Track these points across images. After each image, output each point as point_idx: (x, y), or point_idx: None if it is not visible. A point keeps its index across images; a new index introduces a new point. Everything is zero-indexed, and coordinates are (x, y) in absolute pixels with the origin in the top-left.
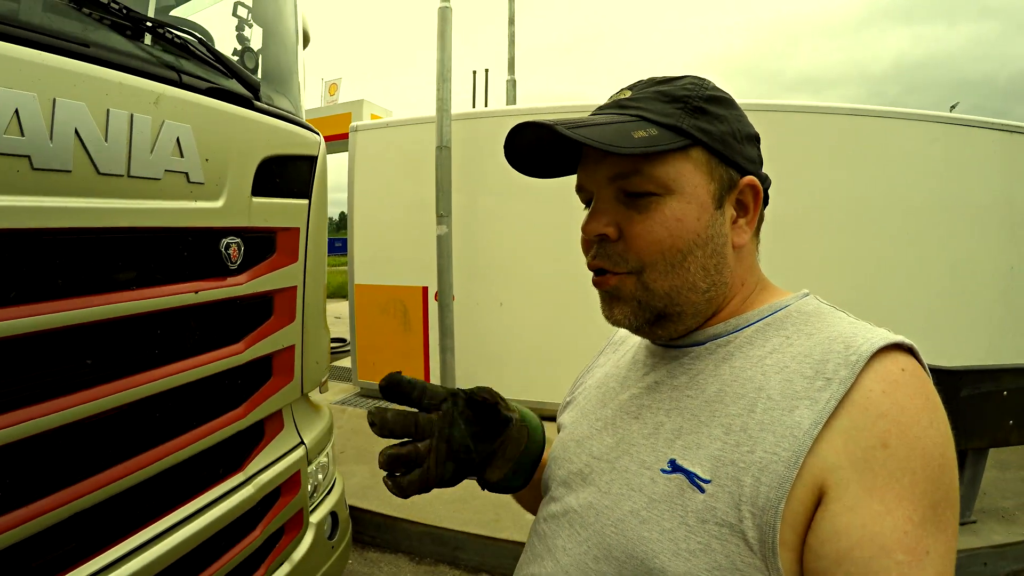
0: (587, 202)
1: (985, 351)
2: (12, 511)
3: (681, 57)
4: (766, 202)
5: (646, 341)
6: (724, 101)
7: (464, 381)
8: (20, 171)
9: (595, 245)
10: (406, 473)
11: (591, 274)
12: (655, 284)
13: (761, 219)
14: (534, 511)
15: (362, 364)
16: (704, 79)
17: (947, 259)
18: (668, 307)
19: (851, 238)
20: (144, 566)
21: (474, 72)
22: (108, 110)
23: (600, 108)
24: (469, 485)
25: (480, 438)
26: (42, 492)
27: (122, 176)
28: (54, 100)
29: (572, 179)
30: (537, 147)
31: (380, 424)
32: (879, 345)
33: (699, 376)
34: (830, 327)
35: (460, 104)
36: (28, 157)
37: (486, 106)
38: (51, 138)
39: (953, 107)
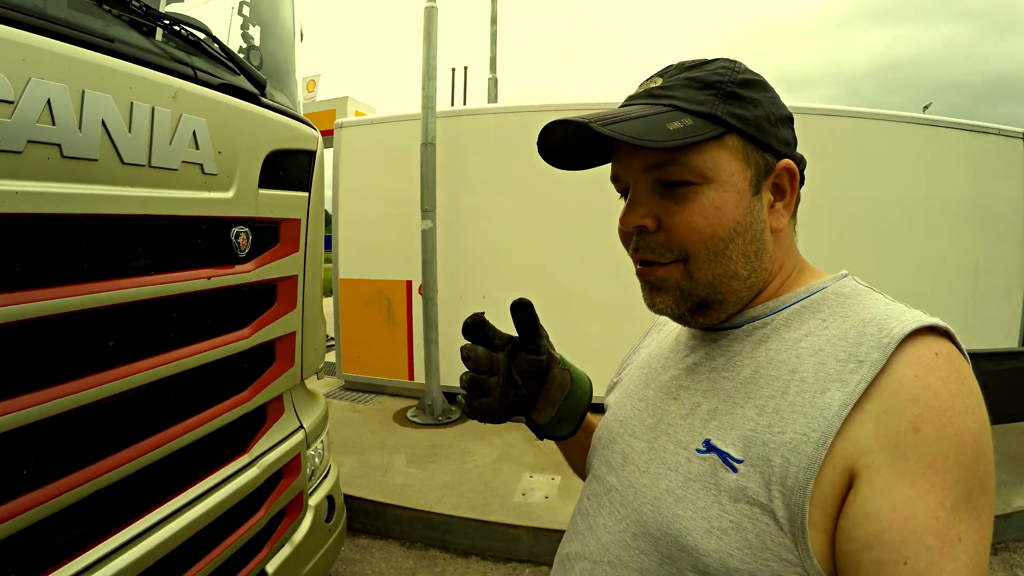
0: (623, 192)
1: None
2: (33, 490)
3: (659, 56)
4: (802, 183)
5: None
6: (757, 84)
7: (448, 374)
8: (51, 159)
9: (634, 237)
10: (478, 397)
11: (569, 267)
12: (699, 273)
13: (798, 200)
14: (582, 474)
15: (346, 358)
16: (736, 61)
17: (917, 255)
18: (711, 296)
19: (823, 235)
20: (159, 544)
21: (453, 70)
22: (132, 103)
23: (631, 98)
24: (458, 471)
25: (525, 375)
26: (62, 472)
27: (144, 166)
28: (83, 92)
29: (549, 175)
30: (569, 141)
31: (473, 359)
32: (912, 327)
33: (736, 358)
34: (865, 309)
35: (442, 102)
36: (59, 145)
37: (465, 104)
38: (80, 128)
39: (926, 107)
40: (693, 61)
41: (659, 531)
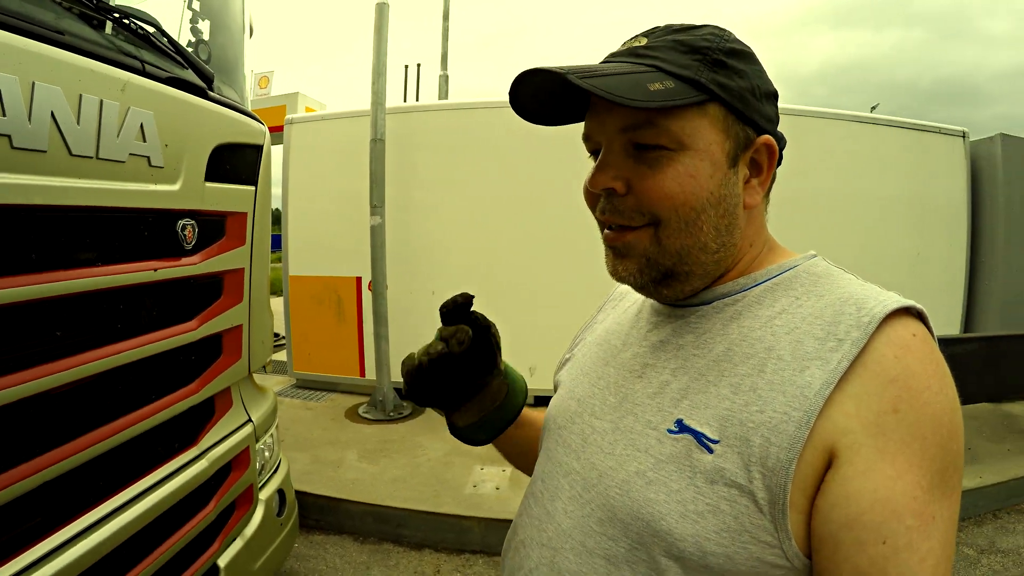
0: (593, 152)
1: None
2: None
3: (609, 51)
4: (779, 162)
5: (651, 299)
6: (745, 55)
7: (399, 370)
8: (0, 149)
9: (602, 199)
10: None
11: (518, 263)
12: (668, 241)
13: (773, 180)
14: (520, 466)
15: (297, 356)
16: (725, 30)
17: (859, 246)
18: (677, 266)
19: (772, 228)
20: (109, 537)
21: (406, 67)
22: (81, 95)
23: (612, 55)
24: (409, 465)
25: (467, 369)
26: (6, 465)
27: (91, 158)
28: (33, 84)
29: (499, 172)
30: (543, 95)
31: (467, 340)
32: (891, 308)
33: (706, 335)
34: (840, 288)
35: (393, 98)
36: (8, 136)
37: (417, 100)
38: (30, 119)
39: (874, 108)
40: (682, 24)
41: (629, 516)
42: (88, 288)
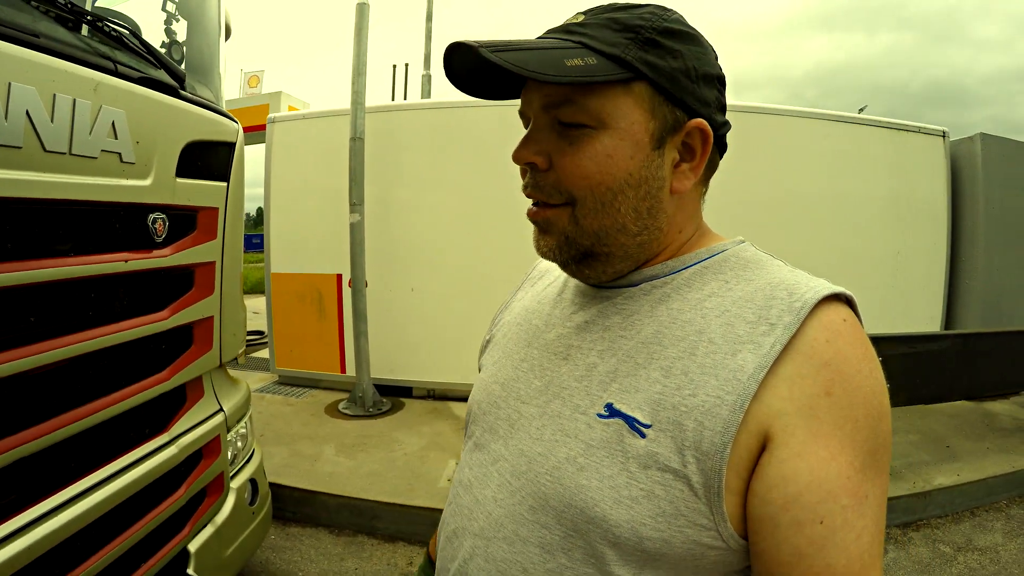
0: (525, 123)
1: (875, 325)
2: None
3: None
4: (723, 149)
5: (575, 279)
6: (685, 36)
7: (378, 365)
8: None
9: (528, 175)
10: None
11: (497, 260)
12: (584, 221)
13: (714, 167)
14: None
15: (280, 352)
16: (669, 10)
17: (841, 245)
18: (595, 246)
19: (751, 227)
20: (77, 516)
21: (394, 66)
22: (55, 95)
23: (548, 31)
24: (385, 459)
25: None
26: None
27: (65, 154)
28: (9, 84)
29: (479, 170)
30: (478, 69)
31: None
32: (823, 294)
33: (634, 316)
34: (770, 273)
35: (381, 97)
36: None
37: (404, 98)
38: (6, 117)
39: (862, 109)
40: (625, 3)
41: (562, 503)
42: (61, 277)
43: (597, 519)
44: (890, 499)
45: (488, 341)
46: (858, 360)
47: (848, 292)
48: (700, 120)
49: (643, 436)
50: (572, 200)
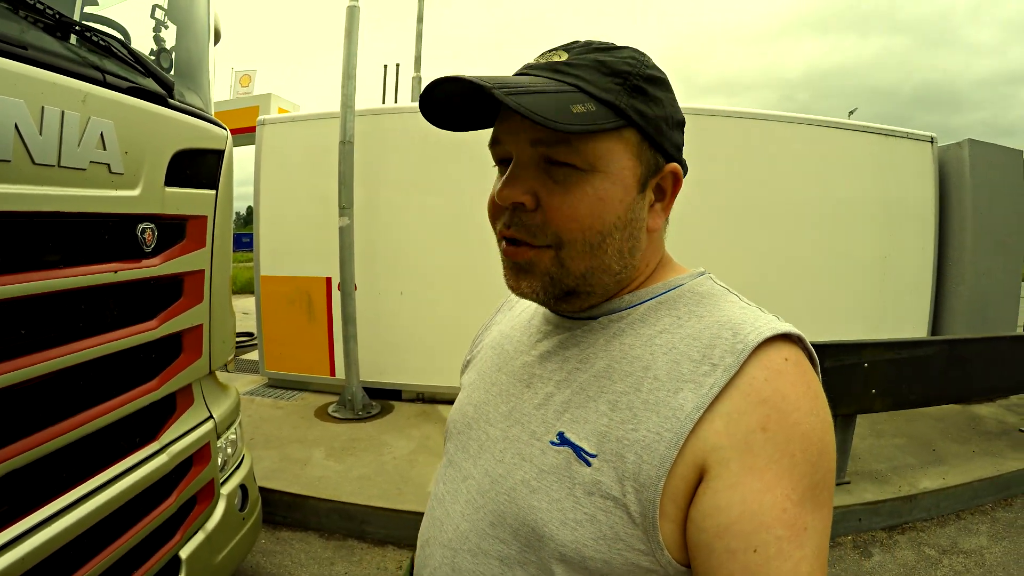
0: (500, 160)
1: (863, 330)
2: None
3: None
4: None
5: (543, 308)
6: (662, 82)
7: (367, 368)
8: None
9: (508, 212)
10: None
11: (487, 264)
12: (571, 263)
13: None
14: None
15: (269, 355)
16: (644, 55)
17: (828, 249)
18: (580, 286)
19: (742, 231)
20: (69, 526)
21: (385, 67)
22: (43, 107)
23: (530, 67)
24: (375, 463)
25: None
26: None
27: (53, 166)
28: None
29: (467, 174)
30: (455, 100)
31: None
32: (765, 335)
33: (589, 350)
34: (720, 311)
35: (371, 97)
36: None
37: (396, 100)
38: None
39: (852, 112)
40: (601, 43)
41: (516, 521)
42: (50, 289)
43: (546, 537)
44: (873, 503)
45: (468, 362)
46: (797, 398)
47: (796, 332)
48: (675, 164)
49: (589, 465)
50: (559, 242)
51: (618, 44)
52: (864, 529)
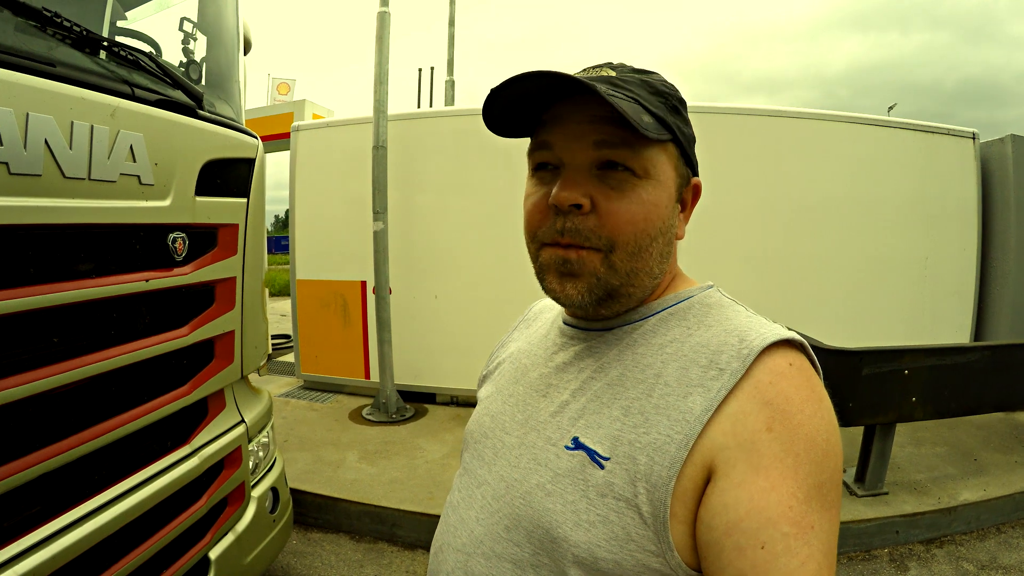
0: (543, 165)
1: (902, 335)
2: None
3: (637, 56)
4: None
5: (559, 321)
6: (686, 106)
7: (402, 371)
8: None
9: (560, 216)
10: None
11: (521, 268)
12: (621, 264)
13: None
14: None
15: (305, 358)
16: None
17: (868, 250)
18: (623, 285)
19: (776, 231)
20: (102, 525)
21: (419, 70)
22: (72, 122)
23: (589, 78)
24: (407, 466)
25: None
26: (9, 456)
27: (84, 179)
28: (27, 114)
29: (501, 176)
30: (519, 103)
31: None
32: (770, 340)
33: (603, 359)
34: (728, 320)
35: (407, 100)
36: (6, 164)
37: (431, 103)
38: (25, 147)
39: (891, 108)
40: (632, 66)
41: (531, 524)
42: (84, 298)
43: (559, 539)
44: (912, 515)
45: (485, 376)
46: (801, 400)
47: (799, 338)
48: (697, 178)
49: (602, 467)
50: (611, 245)
51: (646, 68)
52: (902, 542)
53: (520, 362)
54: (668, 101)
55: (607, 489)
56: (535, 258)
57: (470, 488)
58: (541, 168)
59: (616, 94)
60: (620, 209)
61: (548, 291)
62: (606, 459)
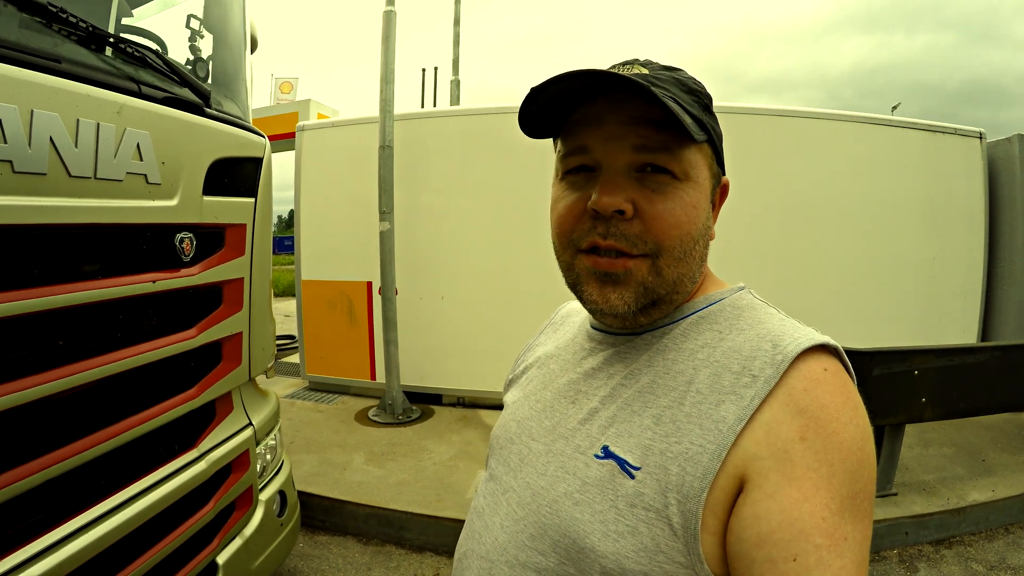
0: (576, 168)
1: (909, 335)
2: None
3: (642, 56)
4: None
5: (587, 325)
6: (713, 102)
7: (408, 372)
8: (3, 174)
9: (601, 222)
10: None
11: (528, 268)
12: (667, 270)
13: None
14: None
15: (310, 358)
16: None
17: (874, 250)
18: (669, 293)
19: (782, 232)
20: (110, 531)
21: (423, 70)
22: (78, 119)
23: (620, 73)
24: (414, 468)
25: None
26: (14, 462)
27: (90, 178)
28: (32, 111)
29: (508, 177)
30: (555, 103)
31: None
32: (804, 346)
33: (633, 365)
34: (760, 324)
35: (411, 100)
36: (10, 162)
37: (435, 103)
38: (30, 145)
39: (895, 108)
40: (660, 63)
41: (557, 533)
42: (89, 300)
43: (587, 549)
44: (921, 516)
45: (511, 380)
46: (836, 408)
47: (834, 343)
48: (726, 178)
49: (632, 477)
50: (658, 251)
51: (673, 66)
52: (911, 543)
53: (548, 367)
54: (700, 99)
55: (637, 499)
56: (569, 266)
57: (495, 495)
58: (576, 172)
59: (661, 94)
60: (664, 213)
61: (586, 301)
62: (636, 469)
